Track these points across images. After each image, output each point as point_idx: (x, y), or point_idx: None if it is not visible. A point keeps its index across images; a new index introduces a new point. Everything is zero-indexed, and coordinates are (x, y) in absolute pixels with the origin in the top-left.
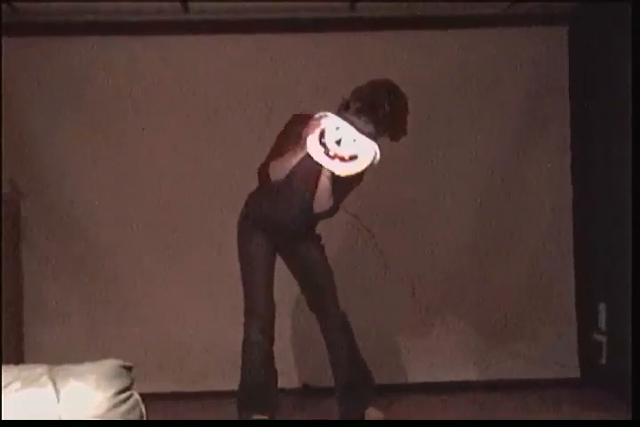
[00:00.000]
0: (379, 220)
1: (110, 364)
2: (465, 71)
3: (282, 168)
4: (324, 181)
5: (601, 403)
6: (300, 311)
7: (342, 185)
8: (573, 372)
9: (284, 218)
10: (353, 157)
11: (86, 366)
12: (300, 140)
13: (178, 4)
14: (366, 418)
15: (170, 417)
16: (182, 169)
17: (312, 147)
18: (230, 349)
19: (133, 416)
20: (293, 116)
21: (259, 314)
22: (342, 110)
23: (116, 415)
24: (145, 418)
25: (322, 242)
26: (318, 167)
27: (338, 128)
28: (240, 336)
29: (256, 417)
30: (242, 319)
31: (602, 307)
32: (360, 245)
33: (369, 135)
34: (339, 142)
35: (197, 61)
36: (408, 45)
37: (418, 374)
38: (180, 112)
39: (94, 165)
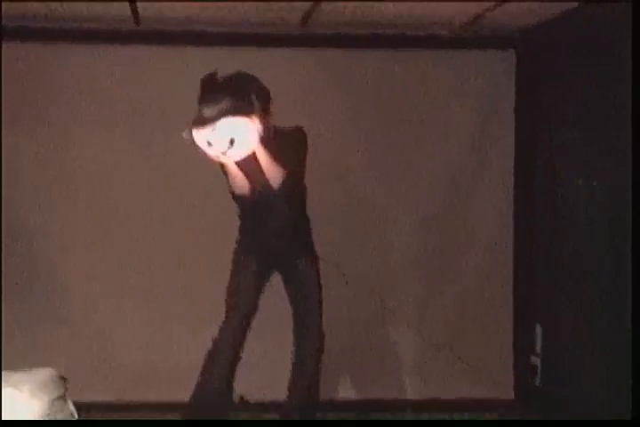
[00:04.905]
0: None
1: (45, 373)
2: (413, 91)
3: (236, 181)
4: (263, 158)
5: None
6: None
7: (288, 156)
8: (507, 393)
9: (276, 222)
10: (232, 142)
11: (21, 375)
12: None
13: (129, 15)
14: None
15: None
16: (136, 177)
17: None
18: (166, 361)
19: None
20: None
21: (234, 333)
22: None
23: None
24: None
25: (319, 261)
26: (251, 158)
27: (214, 129)
28: (179, 349)
29: None
30: (182, 331)
31: (538, 329)
32: None
33: (221, 113)
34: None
35: (153, 72)
36: (358, 63)
37: (352, 392)
38: (132, 122)
39: (45, 176)
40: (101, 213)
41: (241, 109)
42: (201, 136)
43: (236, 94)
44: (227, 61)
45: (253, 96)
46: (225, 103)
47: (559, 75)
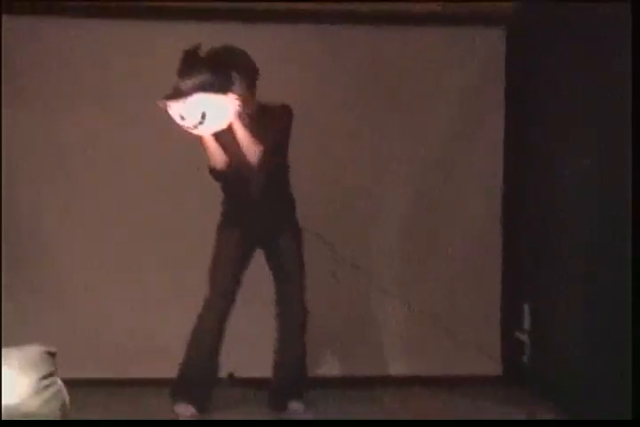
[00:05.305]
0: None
1: (34, 349)
2: (401, 68)
3: (213, 155)
4: (240, 133)
5: (521, 401)
6: None
7: (270, 133)
8: (495, 370)
9: (255, 198)
10: (203, 116)
11: (10, 351)
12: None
13: None
14: (289, 408)
15: (92, 404)
16: (128, 155)
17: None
18: (155, 337)
19: (56, 402)
20: None
21: (217, 307)
22: None
23: (39, 400)
24: (67, 404)
25: (301, 235)
26: (229, 133)
27: (186, 103)
28: (169, 325)
29: (185, 407)
30: (172, 307)
31: (526, 307)
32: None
33: (195, 89)
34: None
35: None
36: (345, 40)
37: (340, 369)
38: (122, 98)
39: (36, 156)
40: (92, 192)
41: (217, 85)
42: (174, 109)
43: (216, 69)
44: (214, 36)
45: (234, 72)
46: (201, 78)
47: (550, 52)
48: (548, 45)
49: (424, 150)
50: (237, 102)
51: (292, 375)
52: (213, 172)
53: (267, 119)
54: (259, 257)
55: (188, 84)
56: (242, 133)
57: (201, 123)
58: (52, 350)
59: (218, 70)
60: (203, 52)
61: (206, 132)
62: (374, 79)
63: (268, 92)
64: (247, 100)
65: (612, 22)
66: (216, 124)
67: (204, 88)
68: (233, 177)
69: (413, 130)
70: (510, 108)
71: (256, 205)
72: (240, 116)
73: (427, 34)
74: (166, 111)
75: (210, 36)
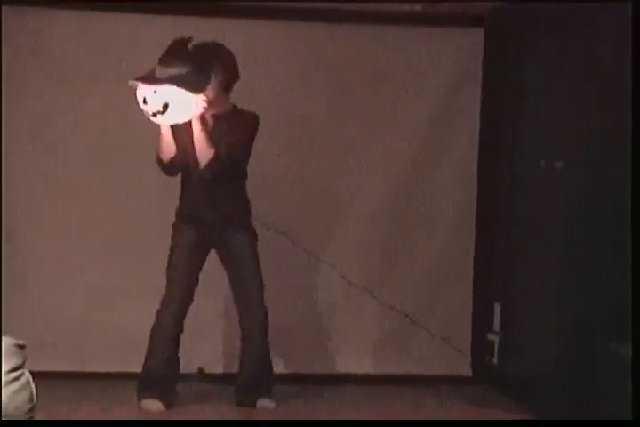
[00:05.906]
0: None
1: (4, 342)
2: (380, 67)
3: (164, 147)
4: (197, 134)
5: (489, 402)
6: (196, 297)
7: (231, 137)
8: (465, 370)
9: (206, 197)
10: (165, 106)
11: None
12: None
13: None
14: (258, 406)
15: (61, 396)
16: (101, 139)
17: (145, 113)
18: (127, 331)
19: (24, 395)
20: None
21: (173, 303)
22: None
23: (8, 392)
24: (35, 397)
25: (256, 236)
26: (189, 130)
27: (155, 91)
28: (139, 320)
29: (151, 402)
30: (143, 302)
31: (497, 307)
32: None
33: (169, 80)
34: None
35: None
36: (326, 38)
37: (312, 366)
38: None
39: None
40: (63, 176)
41: (192, 83)
42: (141, 91)
43: (197, 67)
44: (208, 31)
45: (213, 73)
46: (179, 71)
47: (529, 52)
48: (527, 45)
49: (399, 148)
50: (204, 104)
51: (256, 373)
52: (161, 163)
53: (233, 124)
54: None
55: (164, 73)
56: (199, 135)
57: (160, 112)
58: (22, 342)
59: (198, 68)
60: (191, 45)
61: (163, 122)
62: (352, 77)
63: (248, 87)
64: (218, 102)
65: (586, 20)
66: (175, 118)
67: (177, 81)
68: (184, 175)
69: (389, 127)
70: (486, 108)
71: (208, 206)
72: (203, 117)
73: (406, 33)
74: (134, 91)
75: (204, 30)
